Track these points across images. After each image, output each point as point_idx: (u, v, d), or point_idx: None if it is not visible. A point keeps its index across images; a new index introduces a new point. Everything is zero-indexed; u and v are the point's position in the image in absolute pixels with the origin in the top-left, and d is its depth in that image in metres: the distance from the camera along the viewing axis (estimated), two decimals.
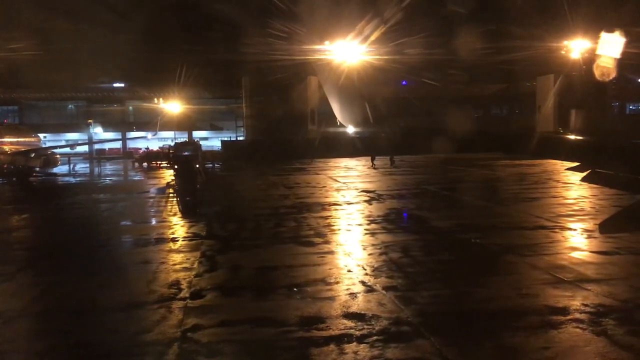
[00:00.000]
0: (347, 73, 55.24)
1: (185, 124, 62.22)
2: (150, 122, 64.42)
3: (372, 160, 36.61)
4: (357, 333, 7.19)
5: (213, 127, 66.45)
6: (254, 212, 17.67)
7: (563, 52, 49.75)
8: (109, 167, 44.49)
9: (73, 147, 45.43)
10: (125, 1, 56.26)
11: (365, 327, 7.38)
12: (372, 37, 53.33)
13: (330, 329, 7.33)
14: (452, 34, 57.19)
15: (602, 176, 23.97)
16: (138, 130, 63.17)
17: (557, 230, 13.59)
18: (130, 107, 63.42)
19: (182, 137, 63.20)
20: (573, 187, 22.70)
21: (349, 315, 7.80)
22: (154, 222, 17.57)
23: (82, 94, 63.12)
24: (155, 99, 61.01)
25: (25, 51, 46.29)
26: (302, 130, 53.60)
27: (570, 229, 13.69)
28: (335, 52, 52.99)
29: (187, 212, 18.63)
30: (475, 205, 18.76)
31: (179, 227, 15.72)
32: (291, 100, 52.95)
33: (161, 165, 41.82)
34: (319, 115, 64.36)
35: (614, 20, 45.09)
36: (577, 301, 8.16)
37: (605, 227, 13.41)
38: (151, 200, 23.34)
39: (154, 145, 56.30)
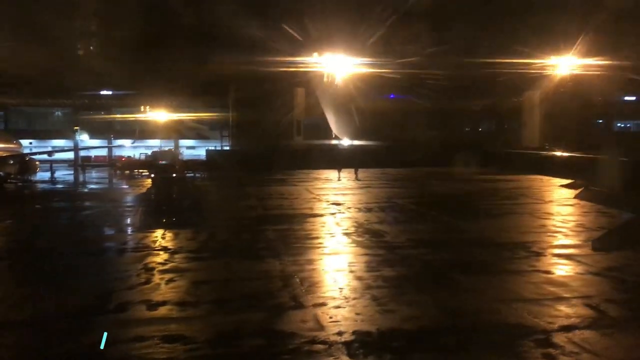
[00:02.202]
0: (335, 85, 55.37)
1: (172, 133, 61.98)
2: (138, 130, 64.28)
3: (339, 172, 36.89)
4: (267, 352, 7.05)
5: (200, 136, 66.33)
6: (215, 224, 17.50)
7: (549, 69, 49.95)
8: (89, 175, 44.18)
9: (51, 154, 45.03)
10: (113, 9, 56.28)
11: (278, 345, 7.25)
12: (361, 51, 53.62)
13: (241, 346, 7.20)
14: (441, 48, 57.63)
15: (596, 193, 24.24)
16: (119, 138, 62.98)
17: (514, 248, 13.46)
18: (118, 115, 63.24)
19: (169, 146, 63.02)
20: (561, 203, 22.55)
21: (267, 333, 7.66)
22: (111, 231, 17.34)
23: (69, 101, 62.89)
24: (142, 107, 60.88)
25: (12, 54, 46.19)
26: (288, 141, 53.45)
27: (529, 246, 13.52)
28: (324, 64, 53.15)
29: (149, 222, 18.45)
30: (439, 221, 18.61)
31: (133, 237, 15.55)
32: (277, 111, 52.89)
33: (143, 173, 41.58)
34: (311, 126, 64.42)
35: (598, 37, 45.58)
36: (499, 321, 8.05)
37: (598, 245, 13.48)
38: (119, 209, 23.08)
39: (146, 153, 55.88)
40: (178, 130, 60.71)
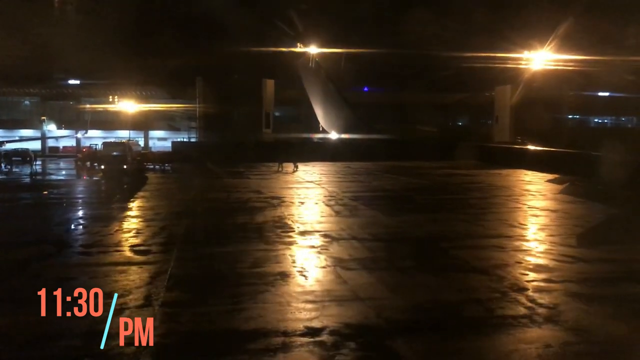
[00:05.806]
0: (311, 77, 55.07)
1: (141, 124, 61.34)
2: (107, 121, 63.57)
3: (279, 165, 36.95)
4: (73, 353, 6.80)
5: (170, 127, 65.67)
6: (133, 218, 17.17)
7: (521, 63, 49.79)
8: (49, 166, 43.58)
9: (1, 145, 44.40)
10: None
11: (89, 347, 6.97)
12: (335, 42, 53.44)
13: (57, 347, 6.95)
14: (417, 41, 57.49)
15: (581, 188, 24.28)
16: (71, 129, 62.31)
17: (420, 243, 13.31)
18: (87, 105, 62.28)
19: (139, 137, 62.40)
20: (538, 197, 22.48)
21: (94, 334, 7.34)
22: (24, 223, 16.83)
23: (37, 90, 61.96)
24: (111, 97, 60.08)
25: None
26: (256, 133, 52.91)
27: (439, 242, 13.37)
28: (290, 54, 52.89)
29: (70, 215, 18.10)
30: (364, 215, 18.29)
31: (40, 229, 15.23)
32: (245, 102, 52.38)
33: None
34: (284, 118, 63.98)
35: (570, 32, 45.59)
36: (344, 319, 7.84)
37: (582, 240, 13.73)
38: (51, 200, 22.62)
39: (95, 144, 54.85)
40: (147, 121, 60.23)
